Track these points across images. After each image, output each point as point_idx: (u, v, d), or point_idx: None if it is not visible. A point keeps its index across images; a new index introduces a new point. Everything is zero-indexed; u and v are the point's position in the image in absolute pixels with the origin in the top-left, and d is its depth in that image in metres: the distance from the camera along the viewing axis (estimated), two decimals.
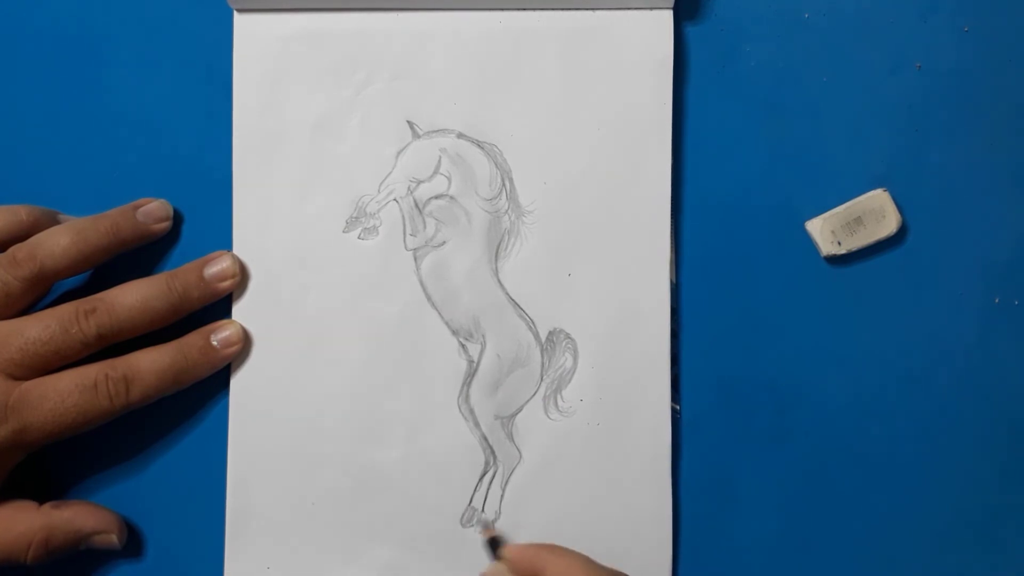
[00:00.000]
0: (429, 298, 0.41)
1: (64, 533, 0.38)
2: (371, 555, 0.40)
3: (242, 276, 0.40)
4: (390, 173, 0.41)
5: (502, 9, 0.41)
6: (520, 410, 0.41)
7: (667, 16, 0.41)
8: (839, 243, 0.41)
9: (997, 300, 0.42)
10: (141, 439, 0.41)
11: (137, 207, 0.40)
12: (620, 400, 0.40)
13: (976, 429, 0.42)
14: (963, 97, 0.42)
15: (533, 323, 0.41)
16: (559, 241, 0.41)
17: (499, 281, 0.41)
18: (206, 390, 0.40)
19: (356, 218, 0.41)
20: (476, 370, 0.41)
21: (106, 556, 0.40)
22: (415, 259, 0.41)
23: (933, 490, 0.41)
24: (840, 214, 0.41)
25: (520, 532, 0.40)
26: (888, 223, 0.41)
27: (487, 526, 0.40)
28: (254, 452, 0.40)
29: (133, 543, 0.40)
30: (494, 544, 0.39)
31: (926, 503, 0.41)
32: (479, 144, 0.41)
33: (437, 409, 0.40)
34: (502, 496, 0.40)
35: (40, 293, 0.38)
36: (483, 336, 0.41)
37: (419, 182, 0.41)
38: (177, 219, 0.41)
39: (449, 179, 0.41)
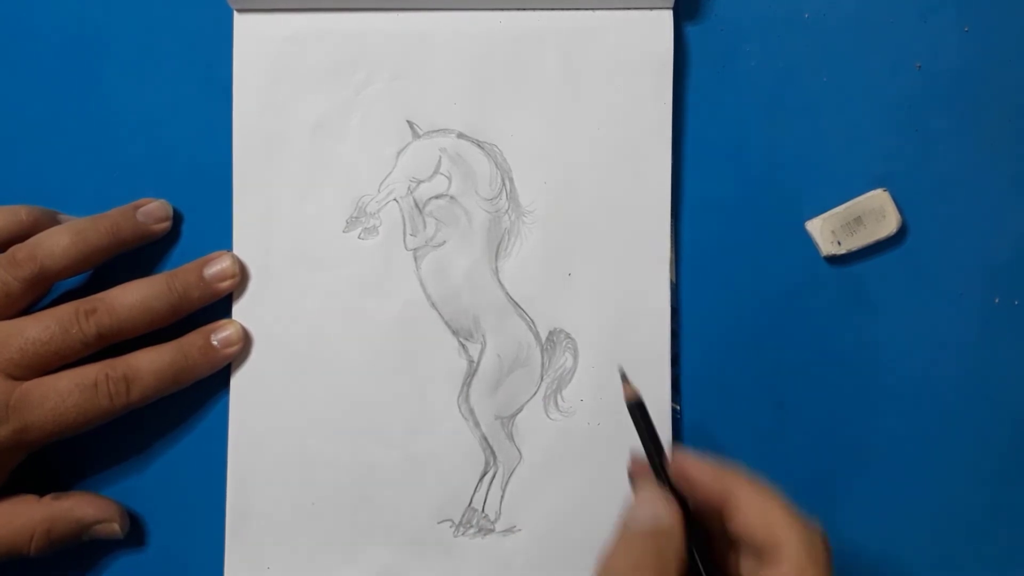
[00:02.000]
0: (429, 298, 0.41)
1: (66, 523, 0.38)
2: (371, 555, 0.40)
3: (242, 276, 0.40)
4: (390, 173, 0.41)
5: (502, 9, 0.41)
6: (520, 410, 0.41)
7: (667, 16, 0.41)
8: (839, 243, 0.41)
9: (997, 300, 0.42)
10: (141, 439, 0.41)
11: (137, 207, 0.40)
12: (620, 400, 0.40)
13: (976, 429, 0.42)
14: (963, 97, 0.42)
15: (533, 323, 0.41)
16: (559, 241, 0.41)
17: (499, 281, 0.41)
18: (206, 390, 0.40)
19: (356, 218, 0.41)
20: (476, 370, 0.41)
21: (106, 560, 0.40)
22: (415, 259, 0.41)
23: (933, 490, 0.41)
24: (840, 214, 0.41)
25: (520, 533, 0.40)
26: (888, 223, 0.41)
27: (624, 377, 0.33)
28: (254, 452, 0.40)
29: (134, 544, 0.40)
30: (640, 411, 0.31)
31: (926, 503, 0.41)
32: (479, 144, 0.41)
33: (437, 409, 0.40)
34: (502, 496, 0.40)
35: (40, 293, 0.38)
36: (483, 336, 0.41)
37: (419, 182, 0.41)
38: (177, 219, 0.41)
39: (449, 179, 0.41)
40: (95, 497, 0.39)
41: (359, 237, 0.41)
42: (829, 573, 0.30)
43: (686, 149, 0.41)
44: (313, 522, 0.40)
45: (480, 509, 0.40)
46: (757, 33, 0.41)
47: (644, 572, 0.29)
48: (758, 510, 0.30)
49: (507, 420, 0.41)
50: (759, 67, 0.41)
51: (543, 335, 0.41)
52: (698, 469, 0.31)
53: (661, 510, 0.30)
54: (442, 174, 0.41)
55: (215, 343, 0.39)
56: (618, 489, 0.40)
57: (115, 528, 0.39)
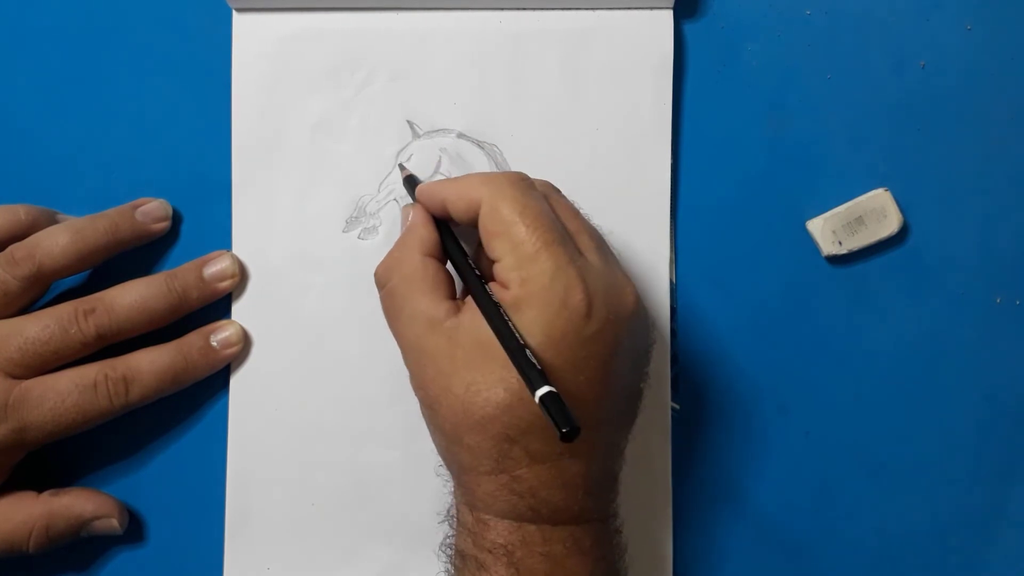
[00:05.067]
0: None
1: (64, 519, 0.38)
2: (371, 555, 0.40)
3: (242, 276, 0.40)
4: (390, 173, 0.41)
5: (502, 9, 0.41)
6: None
7: (667, 16, 0.40)
8: (840, 243, 0.41)
9: (999, 300, 0.41)
10: (141, 438, 0.41)
11: (136, 207, 0.40)
12: None
13: (976, 429, 0.41)
14: (966, 96, 0.41)
15: None
16: None
17: None
18: (206, 390, 0.40)
19: (356, 218, 0.41)
20: None
21: (106, 559, 0.41)
22: None
23: (933, 489, 0.41)
24: (841, 214, 0.41)
25: None
26: (889, 223, 0.41)
27: (404, 168, 0.40)
28: (254, 452, 0.40)
29: (133, 544, 0.40)
30: (411, 183, 0.38)
31: (926, 502, 0.41)
32: (479, 144, 0.41)
33: None
34: None
35: (38, 292, 0.38)
36: None
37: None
38: (177, 219, 0.41)
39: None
40: (94, 493, 0.39)
41: (359, 237, 0.41)
42: (519, 186, 0.33)
43: (686, 149, 0.41)
44: (313, 522, 0.40)
45: None
46: (758, 32, 0.41)
47: (394, 251, 0.35)
48: (455, 187, 0.34)
49: None
50: (759, 66, 0.41)
51: None
52: (421, 189, 0.36)
53: (411, 215, 0.36)
54: (442, 174, 0.41)
55: (215, 344, 0.39)
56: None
57: (114, 524, 0.39)
